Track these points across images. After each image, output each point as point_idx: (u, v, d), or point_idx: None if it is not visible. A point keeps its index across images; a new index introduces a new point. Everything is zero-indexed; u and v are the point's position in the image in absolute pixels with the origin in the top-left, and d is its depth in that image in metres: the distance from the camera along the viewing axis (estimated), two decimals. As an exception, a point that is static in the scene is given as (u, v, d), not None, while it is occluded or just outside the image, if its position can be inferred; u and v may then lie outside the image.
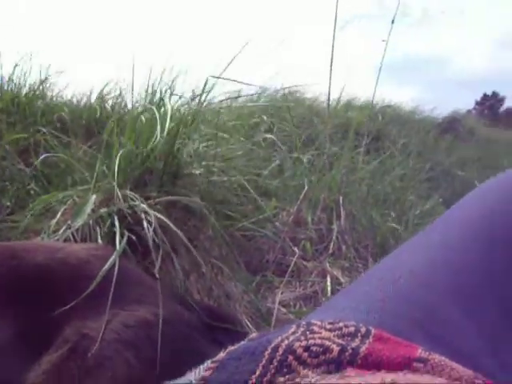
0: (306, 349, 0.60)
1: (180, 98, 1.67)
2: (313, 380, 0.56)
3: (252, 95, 2.85)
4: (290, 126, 2.42)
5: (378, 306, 0.68)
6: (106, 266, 1.05)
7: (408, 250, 0.80)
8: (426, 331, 0.65)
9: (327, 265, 1.46)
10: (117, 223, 1.24)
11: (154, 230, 1.22)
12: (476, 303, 0.70)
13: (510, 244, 0.76)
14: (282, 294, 1.36)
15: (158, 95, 1.70)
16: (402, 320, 0.66)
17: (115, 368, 0.91)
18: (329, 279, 1.43)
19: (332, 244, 1.54)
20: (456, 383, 0.53)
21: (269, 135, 2.03)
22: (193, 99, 1.59)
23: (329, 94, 2.10)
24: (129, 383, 0.89)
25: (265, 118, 2.49)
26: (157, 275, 1.20)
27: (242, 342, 0.63)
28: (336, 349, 0.59)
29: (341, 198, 1.63)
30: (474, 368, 0.60)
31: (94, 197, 1.34)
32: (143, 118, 1.48)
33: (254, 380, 0.57)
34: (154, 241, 1.22)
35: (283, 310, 1.32)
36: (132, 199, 1.29)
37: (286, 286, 1.42)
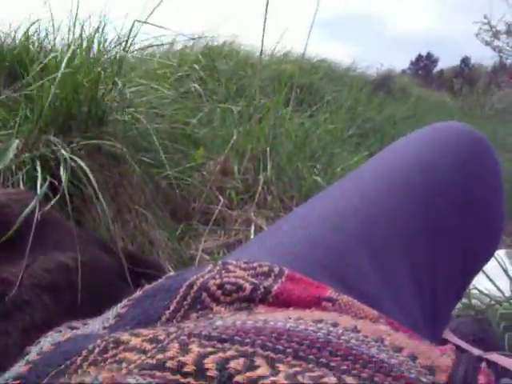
0: (220, 286, 0.61)
1: (106, 42, 1.62)
2: (224, 316, 0.58)
3: (186, 46, 2.80)
4: (221, 77, 2.40)
5: (288, 250, 0.70)
6: (26, 211, 1.03)
7: (321, 198, 0.83)
8: (335, 275, 0.68)
9: (252, 214, 1.48)
10: (39, 168, 1.21)
11: (77, 176, 1.20)
12: (382, 251, 0.73)
13: (422, 197, 0.79)
14: (205, 241, 1.38)
15: (84, 39, 1.64)
16: (313, 265, 0.68)
17: (34, 312, 0.90)
18: (253, 228, 1.46)
19: (258, 194, 1.56)
20: (360, 321, 0.56)
21: (198, 85, 2.01)
22: (119, 44, 1.55)
23: (262, 44, 2.08)
24: (47, 327, 0.89)
25: (196, 67, 2.46)
26: (78, 221, 1.18)
27: (159, 280, 0.64)
28: (249, 287, 0.61)
29: (268, 149, 1.64)
30: (378, 311, 0.63)
31: (16, 141, 1.30)
32: (68, 62, 1.43)
33: (167, 315, 0.58)
34: (76, 186, 1.21)
35: (206, 257, 1.33)
36: (55, 144, 1.26)
37: (211, 234, 1.43)
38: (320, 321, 0.52)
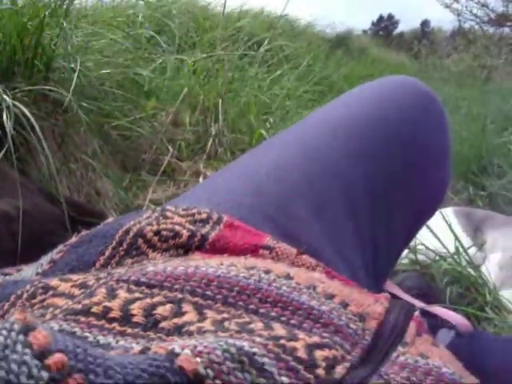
0: (157, 233, 0.61)
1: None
2: (157, 262, 0.58)
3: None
4: (177, 28, 2.34)
5: (229, 197, 0.70)
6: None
7: (265, 147, 0.82)
8: (276, 224, 0.68)
9: (202, 165, 1.48)
10: (-19, 116, 1.17)
11: (21, 124, 1.16)
12: (325, 203, 0.73)
13: (366, 151, 0.80)
14: (154, 192, 1.37)
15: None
16: (253, 213, 0.68)
17: (-27, 260, 0.89)
18: (202, 179, 1.45)
19: (209, 146, 1.55)
20: (294, 269, 0.57)
21: (152, 35, 1.96)
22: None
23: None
24: (-12, 275, 0.88)
25: (153, 16, 2.40)
26: (22, 171, 1.16)
27: (97, 227, 0.63)
28: (186, 234, 0.61)
29: (220, 102, 1.63)
30: (318, 260, 0.64)
31: (-43, 89, 1.25)
32: (12, 6, 1.37)
33: (102, 261, 0.58)
34: (21, 135, 1.17)
35: (153, 207, 1.32)
36: (-2, 91, 1.22)
37: (160, 185, 1.42)
38: (252, 268, 0.52)
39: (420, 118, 0.83)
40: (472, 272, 1.49)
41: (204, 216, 0.64)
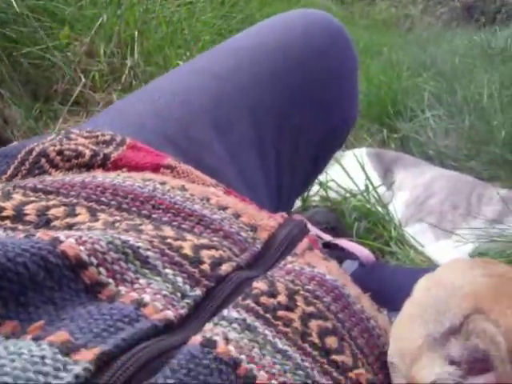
0: (60, 153, 0.61)
1: None
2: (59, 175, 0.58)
3: None
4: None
5: (134, 121, 0.70)
6: None
7: (172, 74, 0.83)
8: (178, 147, 0.69)
9: (115, 97, 1.45)
10: None
11: None
12: (229, 126, 0.75)
13: (272, 77, 0.81)
14: (65, 122, 1.34)
15: None
16: (157, 136, 0.69)
17: None
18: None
19: (124, 78, 1.52)
20: (190, 183, 0.58)
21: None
22: None
23: None
24: None
25: None
26: None
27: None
28: (88, 153, 0.61)
29: (136, 34, 1.59)
30: (220, 181, 0.65)
31: None
32: None
33: (3, 180, 0.57)
34: None
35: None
36: None
37: (72, 115, 1.39)
38: (149, 179, 0.53)
39: (327, 44, 0.85)
40: (380, 209, 1.55)
41: (107, 138, 0.65)
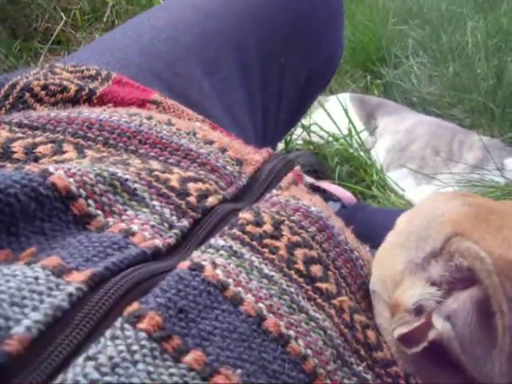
0: (44, 87, 0.60)
1: None
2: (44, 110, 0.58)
3: None
4: None
5: (119, 56, 0.69)
6: None
7: (158, 9, 0.81)
8: (165, 83, 0.69)
9: (97, 36, 1.42)
10: None
11: None
12: (216, 63, 0.74)
13: (259, 15, 0.80)
14: (46, 61, 1.31)
15: None
16: (143, 71, 0.68)
17: None
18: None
19: (106, 16, 1.49)
20: (176, 118, 0.58)
21: None
22: None
23: None
24: None
25: None
26: None
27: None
28: (73, 88, 0.60)
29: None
30: (206, 117, 0.65)
31: None
32: None
33: (-14, 117, 0.57)
34: None
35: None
36: None
37: (53, 54, 1.36)
38: (135, 114, 0.53)
39: None
40: (362, 154, 1.57)
41: (93, 72, 0.64)
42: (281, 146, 1.47)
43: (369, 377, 0.40)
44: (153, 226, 0.39)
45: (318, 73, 0.90)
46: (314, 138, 1.58)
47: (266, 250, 0.40)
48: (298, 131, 1.55)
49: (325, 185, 1.29)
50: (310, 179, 1.29)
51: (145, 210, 0.40)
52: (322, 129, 1.58)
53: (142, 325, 0.30)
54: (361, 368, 0.40)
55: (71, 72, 0.63)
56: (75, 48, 1.40)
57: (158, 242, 0.38)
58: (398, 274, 0.43)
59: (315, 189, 1.31)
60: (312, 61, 0.85)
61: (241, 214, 0.43)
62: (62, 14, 1.40)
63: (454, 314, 0.37)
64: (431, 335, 0.39)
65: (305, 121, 1.57)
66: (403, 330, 0.41)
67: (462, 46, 2.26)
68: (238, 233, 0.40)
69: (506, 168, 1.56)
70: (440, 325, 0.38)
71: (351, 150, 1.56)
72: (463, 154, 1.62)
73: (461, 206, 0.43)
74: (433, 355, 0.41)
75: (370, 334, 0.43)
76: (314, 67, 0.86)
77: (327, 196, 1.24)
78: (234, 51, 0.75)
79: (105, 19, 1.48)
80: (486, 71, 1.99)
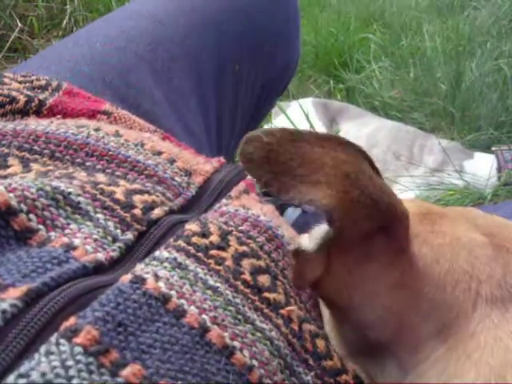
0: None
1: None
2: None
3: None
4: None
5: (70, 66, 0.68)
6: None
7: (109, 18, 0.80)
8: (116, 93, 0.68)
9: (54, 42, 1.41)
10: None
11: None
12: (168, 72, 0.74)
13: (215, 23, 0.80)
14: (2, 69, 1.29)
15: None
16: (93, 81, 0.68)
17: None
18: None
19: (64, 24, 1.47)
20: (125, 129, 0.58)
21: None
22: None
23: None
24: None
25: None
26: None
27: None
28: (23, 99, 0.59)
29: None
30: (158, 127, 0.65)
31: None
32: None
33: None
34: None
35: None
36: None
37: (8, 62, 1.34)
38: (83, 126, 0.52)
39: None
40: (324, 159, 1.57)
41: (43, 82, 0.63)
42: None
43: None
44: (96, 240, 0.38)
45: (274, 80, 0.90)
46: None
47: (211, 261, 0.40)
48: (260, 137, 1.55)
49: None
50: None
51: (88, 223, 0.39)
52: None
53: (78, 339, 0.30)
54: (309, 377, 0.40)
55: (20, 82, 0.62)
56: (32, 56, 1.38)
57: (101, 255, 0.37)
58: None
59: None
60: (268, 69, 0.86)
61: (187, 226, 0.43)
62: (18, 21, 1.38)
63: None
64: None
65: (266, 126, 1.57)
66: None
67: (421, 50, 2.30)
68: (183, 244, 0.40)
69: (465, 170, 1.59)
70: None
71: (313, 155, 1.56)
72: (424, 158, 1.65)
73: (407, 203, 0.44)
74: None
75: (320, 343, 0.43)
76: (269, 75, 0.87)
77: (288, 202, 1.24)
78: (187, 60, 0.75)
79: (63, 26, 1.47)
80: (445, 75, 2.03)
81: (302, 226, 0.90)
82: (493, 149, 1.65)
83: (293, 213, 1.17)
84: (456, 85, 1.97)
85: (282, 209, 1.23)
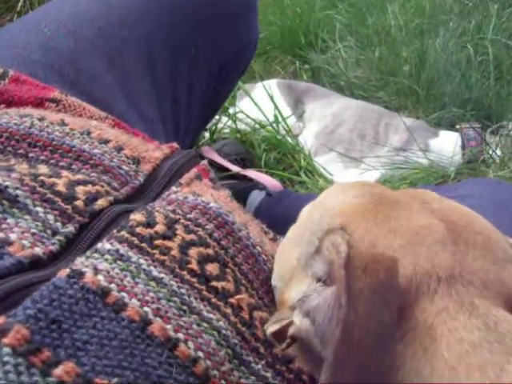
0: None
1: None
2: None
3: None
4: None
5: (18, 53, 0.67)
6: None
7: (57, 2, 0.78)
8: (66, 78, 0.67)
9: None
10: None
11: None
12: (121, 58, 0.72)
13: (168, 10, 0.78)
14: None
15: None
16: (43, 68, 0.66)
17: None
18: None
19: (19, 7, 1.43)
20: (71, 117, 0.57)
21: None
22: None
23: None
24: None
25: None
26: None
27: None
28: None
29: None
30: (110, 114, 0.64)
31: None
32: None
33: None
34: None
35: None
36: None
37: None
38: (26, 115, 0.51)
39: None
40: (289, 140, 1.57)
41: None
42: (207, 135, 1.46)
43: (268, 374, 0.40)
44: (34, 234, 0.37)
45: (232, 61, 0.89)
46: (241, 126, 1.57)
47: (156, 251, 0.39)
48: (224, 119, 1.54)
49: (250, 173, 1.29)
50: (236, 168, 1.28)
51: (27, 217, 0.38)
52: (248, 116, 1.57)
53: (6, 339, 0.29)
54: (260, 366, 0.40)
55: None
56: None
57: (38, 250, 0.36)
58: (292, 270, 0.42)
59: (241, 178, 1.31)
60: (224, 50, 0.85)
61: (132, 216, 0.42)
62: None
63: (313, 309, 0.37)
64: (290, 331, 0.39)
65: (231, 109, 1.56)
66: (274, 327, 0.41)
67: (386, 29, 2.29)
68: (127, 235, 0.39)
69: (430, 149, 1.60)
70: (298, 320, 0.38)
71: (279, 137, 1.56)
72: (389, 137, 1.65)
73: (353, 197, 0.43)
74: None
75: None
76: (226, 57, 0.85)
77: (253, 185, 1.24)
78: (140, 43, 0.73)
79: (18, 9, 1.43)
80: (409, 54, 2.03)
81: (266, 208, 0.90)
82: (457, 127, 1.66)
83: (258, 195, 1.17)
84: (420, 63, 1.97)
85: (246, 192, 1.22)
